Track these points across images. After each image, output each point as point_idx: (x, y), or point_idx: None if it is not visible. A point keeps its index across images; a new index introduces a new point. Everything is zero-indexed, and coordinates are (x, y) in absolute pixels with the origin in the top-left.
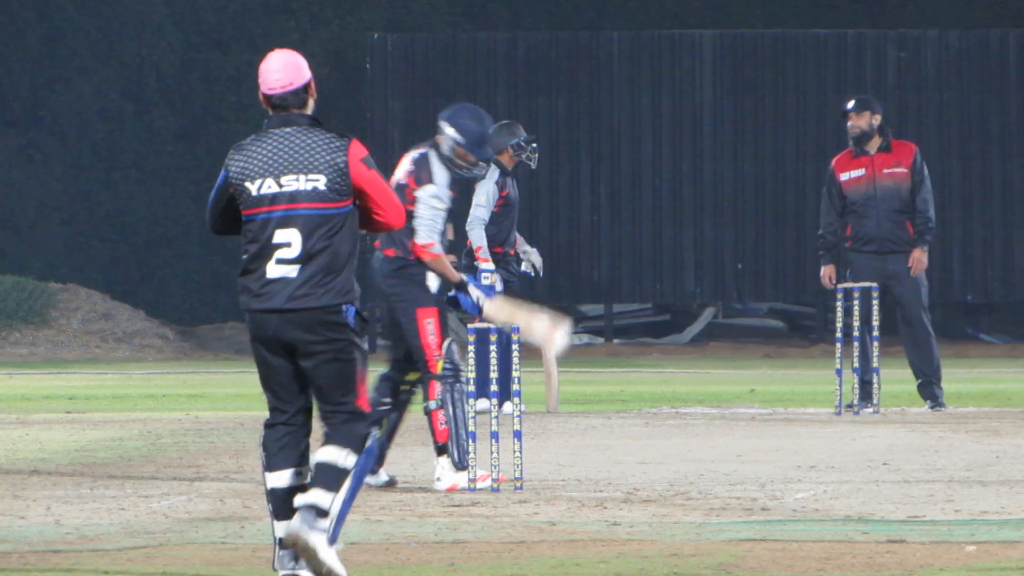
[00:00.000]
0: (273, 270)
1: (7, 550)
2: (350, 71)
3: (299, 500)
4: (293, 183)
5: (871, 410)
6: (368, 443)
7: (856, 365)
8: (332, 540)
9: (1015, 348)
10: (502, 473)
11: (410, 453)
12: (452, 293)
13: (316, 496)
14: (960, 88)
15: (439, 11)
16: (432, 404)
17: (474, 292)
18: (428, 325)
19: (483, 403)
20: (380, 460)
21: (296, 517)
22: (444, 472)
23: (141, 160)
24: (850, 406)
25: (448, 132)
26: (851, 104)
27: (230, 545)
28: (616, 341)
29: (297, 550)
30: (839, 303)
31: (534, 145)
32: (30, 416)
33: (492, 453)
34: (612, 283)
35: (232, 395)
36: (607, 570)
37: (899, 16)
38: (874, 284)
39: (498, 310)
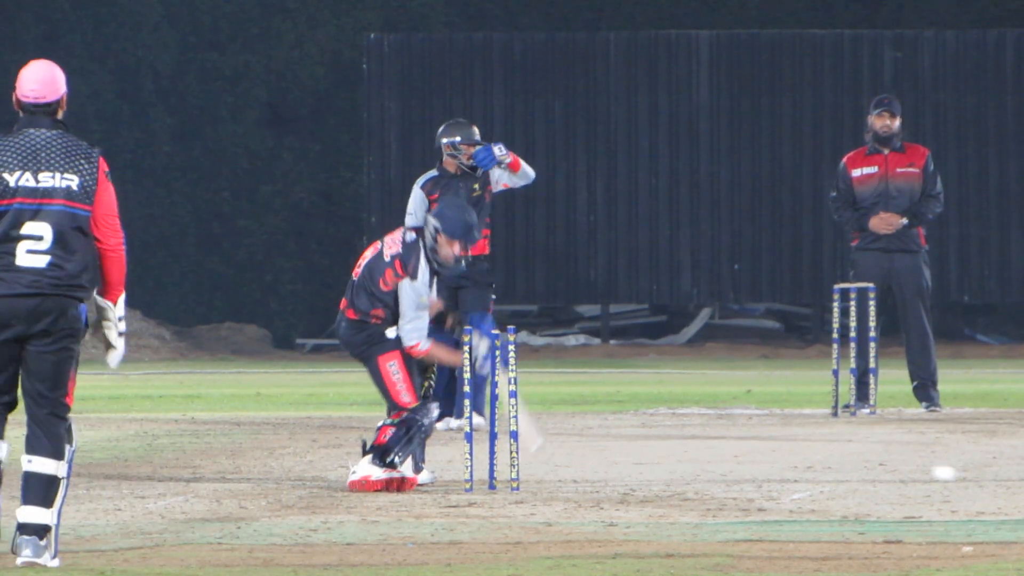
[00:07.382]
0: (23, 259)
1: (4, 550)
2: (346, 71)
3: (22, 518)
4: (48, 180)
5: (868, 411)
6: (72, 440)
7: (853, 366)
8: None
9: (1011, 349)
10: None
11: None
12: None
13: (34, 515)
14: (957, 88)
15: (436, 11)
16: (388, 422)
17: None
18: (391, 367)
19: (478, 420)
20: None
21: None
22: (362, 466)
23: (137, 160)
24: (847, 407)
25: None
26: (889, 105)
27: (226, 545)
28: (612, 342)
29: None
30: (836, 303)
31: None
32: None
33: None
34: (608, 283)
35: (228, 396)
36: (603, 571)
37: (895, 16)
38: (871, 285)
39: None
